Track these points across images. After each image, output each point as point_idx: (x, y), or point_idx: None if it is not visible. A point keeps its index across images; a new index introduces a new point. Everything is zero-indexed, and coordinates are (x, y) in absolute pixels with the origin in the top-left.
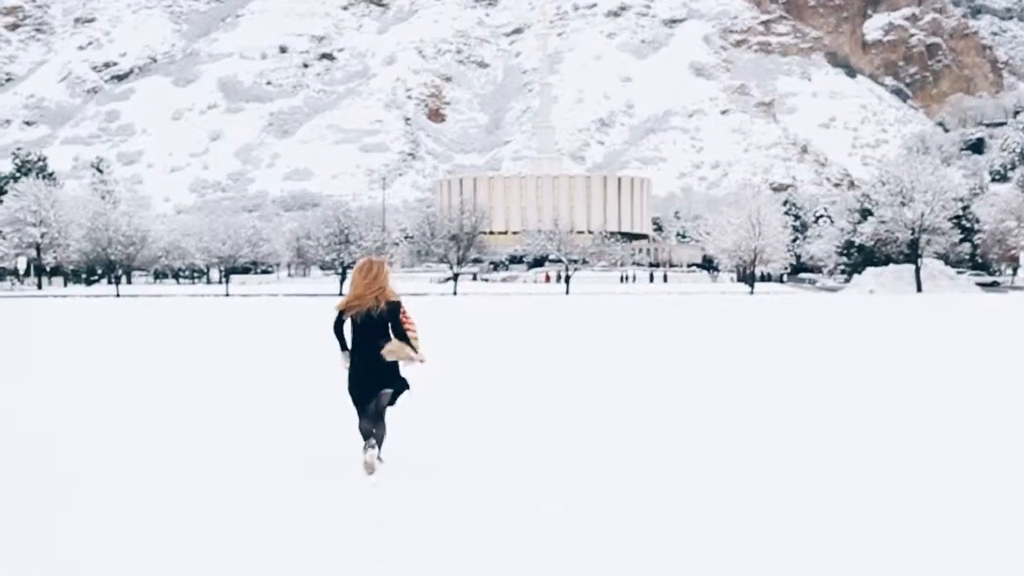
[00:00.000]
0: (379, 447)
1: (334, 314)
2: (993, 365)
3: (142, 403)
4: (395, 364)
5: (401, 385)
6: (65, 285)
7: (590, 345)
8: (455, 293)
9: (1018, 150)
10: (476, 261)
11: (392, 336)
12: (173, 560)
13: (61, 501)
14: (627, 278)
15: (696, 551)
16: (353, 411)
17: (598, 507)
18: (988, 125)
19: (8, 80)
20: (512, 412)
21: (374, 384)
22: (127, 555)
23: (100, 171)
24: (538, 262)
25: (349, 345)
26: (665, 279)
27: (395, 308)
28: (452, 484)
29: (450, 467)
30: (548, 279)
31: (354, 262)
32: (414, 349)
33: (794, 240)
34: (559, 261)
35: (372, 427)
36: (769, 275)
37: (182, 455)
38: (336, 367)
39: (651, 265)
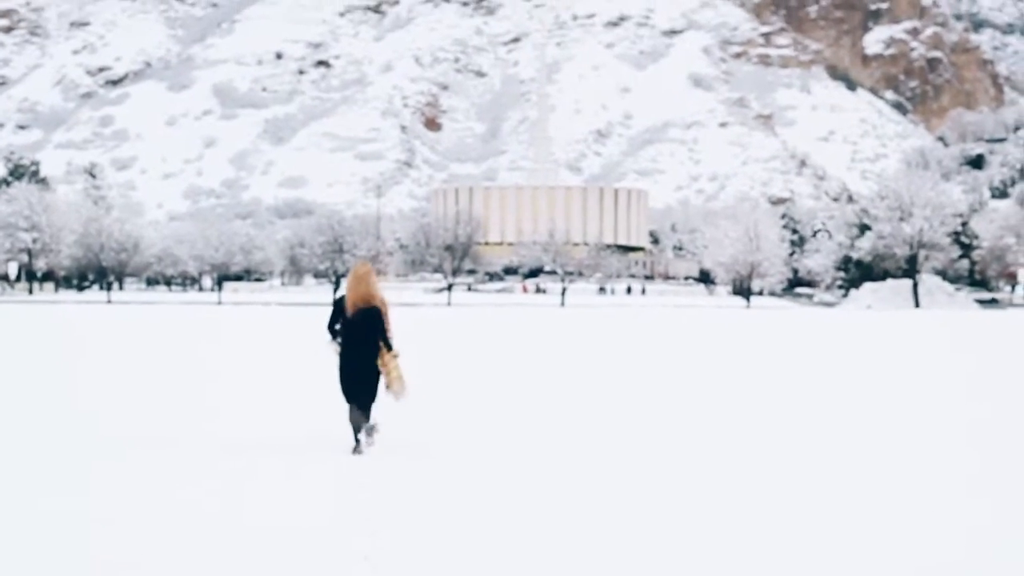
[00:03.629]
0: (369, 435)
1: (331, 309)
2: (980, 383)
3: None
4: (377, 374)
5: (374, 396)
6: (56, 291)
7: (584, 358)
8: (449, 304)
9: (1018, 166)
10: (471, 272)
11: (380, 342)
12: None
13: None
14: (606, 290)
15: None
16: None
17: (582, 521)
18: (988, 140)
19: (2, 83)
20: (501, 424)
21: (362, 388)
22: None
23: (93, 176)
24: (533, 273)
25: (343, 343)
26: (643, 292)
27: (378, 313)
28: (445, 495)
29: (441, 479)
30: (526, 290)
31: (348, 271)
32: (389, 346)
33: (791, 254)
34: (554, 273)
35: (360, 418)
36: (754, 289)
37: (171, 459)
38: (325, 351)
39: (646, 278)
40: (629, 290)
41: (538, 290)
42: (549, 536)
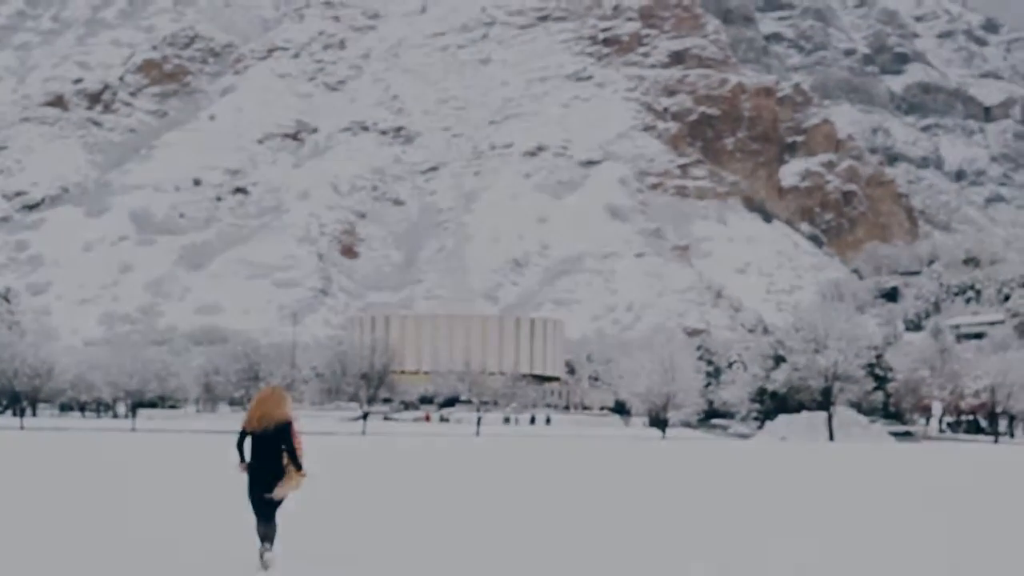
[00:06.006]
0: (271, 543)
1: (238, 432)
2: (888, 516)
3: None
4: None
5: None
6: None
7: (498, 488)
8: (364, 432)
9: (932, 299)
10: (386, 400)
11: (285, 454)
12: None
13: None
14: (511, 420)
15: None
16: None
17: None
18: (903, 273)
19: None
20: (408, 548)
21: (266, 501)
22: None
23: (8, 301)
24: (449, 402)
25: (248, 457)
26: (548, 421)
27: (286, 428)
28: None
29: None
30: (428, 419)
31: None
32: (298, 464)
33: (707, 385)
34: (470, 402)
35: (266, 529)
36: (669, 420)
37: None
38: (235, 471)
39: (557, 407)
40: (532, 420)
41: (441, 419)
42: None
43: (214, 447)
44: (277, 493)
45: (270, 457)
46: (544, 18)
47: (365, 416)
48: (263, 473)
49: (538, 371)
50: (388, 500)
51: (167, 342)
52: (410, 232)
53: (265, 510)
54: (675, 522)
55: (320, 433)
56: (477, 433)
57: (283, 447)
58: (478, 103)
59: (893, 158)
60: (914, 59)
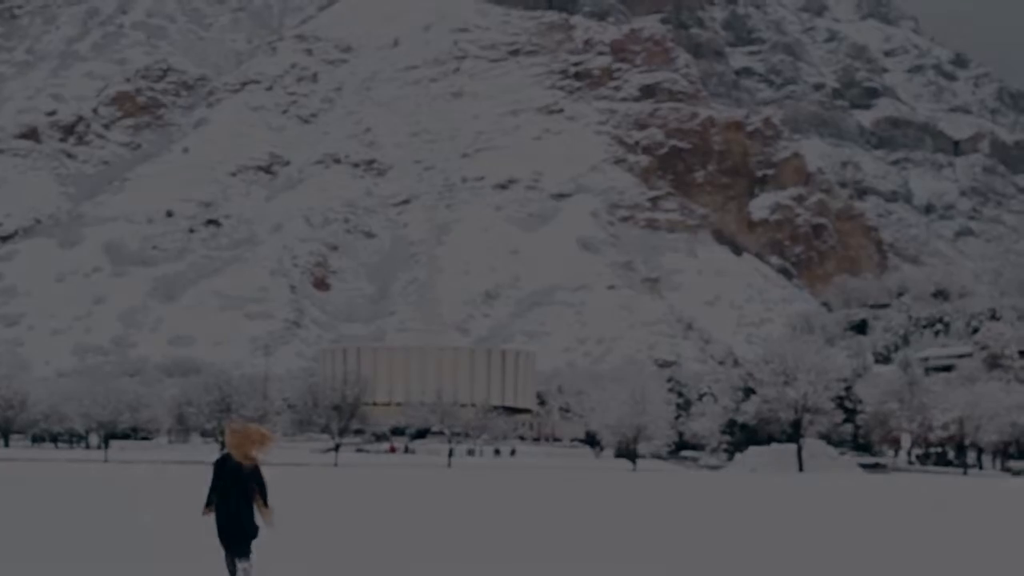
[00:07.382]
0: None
1: (212, 473)
2: (853, 548)
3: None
4: (252, 517)
5: (255, 532)
6: None
7: (471, 521)
8: (336, 464)
9: (901, 332)
10: (358, 432)
11: (256, 491)
12: None
13: None
14: (474, 452)
15: None
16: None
17: None
18: (872, 306)
19: None
20: None
21: (238, 534)
22: None
23: None
24: (420, 434)
25: (219, 493)
26: (513, 452)
27: (256, 470)
28: None
29: None
30: (393, 450)
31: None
32: (266, 503)
33: (677, 417)
34: (441, 433)
35: (234, 563)
36: (640, 451)
37: None
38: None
39: (533, 439)
40: (497, 452)
41: (406, 450)
42: None
43: (186, 478)
44: (272, 523)
45: (244, 494)
46: (516, 52)
47: (337, 447)
48: (236, 515)
49: (509, 403)
50: (370, 531)
51: (140, 373)
52: (382, 264)
53: (240, 547)
54: (648, 553)
55: (292, 464)
56: (449, 464)
57: (256, 488)
58: (450, 136)
59: (863, 192)
60: (883, 93)
